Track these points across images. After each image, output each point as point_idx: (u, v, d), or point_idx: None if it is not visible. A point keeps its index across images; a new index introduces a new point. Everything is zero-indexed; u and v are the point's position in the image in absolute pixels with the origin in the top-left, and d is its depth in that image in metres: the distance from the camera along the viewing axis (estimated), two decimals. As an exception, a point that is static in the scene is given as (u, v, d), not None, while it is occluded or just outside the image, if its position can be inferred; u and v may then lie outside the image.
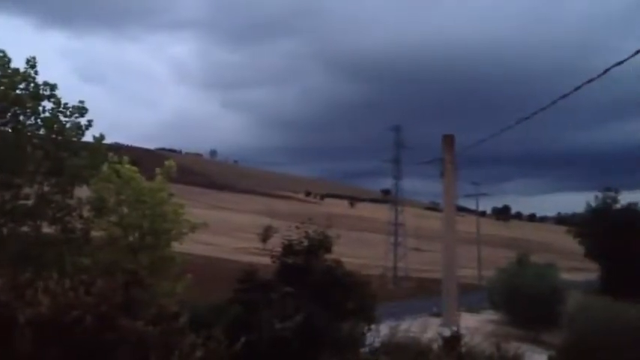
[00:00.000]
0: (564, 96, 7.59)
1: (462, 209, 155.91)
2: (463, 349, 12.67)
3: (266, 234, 74.39)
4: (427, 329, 14.17)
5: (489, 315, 42.84)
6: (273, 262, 14.30)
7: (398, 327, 13.88)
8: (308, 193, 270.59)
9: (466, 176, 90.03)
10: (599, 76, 6.69)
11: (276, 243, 14.77)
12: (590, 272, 77.57)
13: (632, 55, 6.18)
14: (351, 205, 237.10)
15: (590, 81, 6.89)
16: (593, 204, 76.44)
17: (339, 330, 12.95)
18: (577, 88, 7.19)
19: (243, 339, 8.54)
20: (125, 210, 12.23)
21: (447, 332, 11.72)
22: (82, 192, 12.67)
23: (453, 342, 11.77)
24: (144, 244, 12.11)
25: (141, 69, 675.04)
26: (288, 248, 14.19)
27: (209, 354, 7.77)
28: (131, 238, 12.13)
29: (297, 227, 14.32)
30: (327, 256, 14.51)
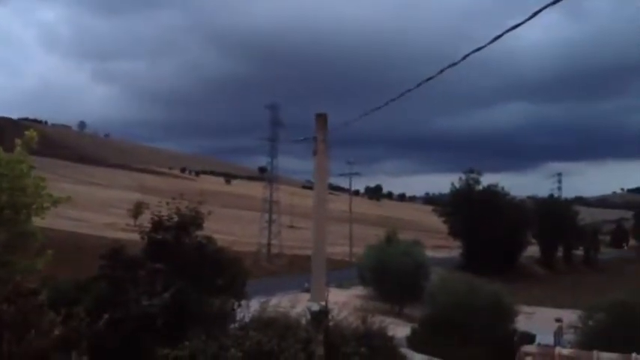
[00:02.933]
0: (429, 79, 7.93)
1: (336, 188, 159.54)
2: (330, 323, 12.97)
3: (137, 210, 72.09)
4: (297, 304, 14.41)
5: (358, 290, 44.27)
6: (142, 238, 13.92)
7: (268, 302, 14.02)
8: (183, 170, 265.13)
9: (341, 156, 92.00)
10: (459, 60, 7.04)
11: (148, 219, 14.35)
12: (453, 250, 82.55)
13: (490, 42, 6.54)
14: (227, 182, 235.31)
15: (451, 65, 7.24)
16: (458, 185, 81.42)
17: (208, 306, 12.89)
18: (441, 71, 7.53)
19: (106, 316, 8.27)
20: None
21: (315, 307, 11.93)
22: None
23: (320, 316, 12.02)
24: (1, 218, 11.36)
25: (4, 33, 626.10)
26: (158, 224, 13.87)
27: (69, 332, 7.48)
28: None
29: (168, 203, 14.00)
30: (199, 233, 14.33)
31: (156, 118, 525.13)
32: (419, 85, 8.52)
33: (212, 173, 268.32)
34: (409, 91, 8.92)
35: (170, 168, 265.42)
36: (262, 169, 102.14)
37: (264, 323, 12.81)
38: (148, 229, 13.92)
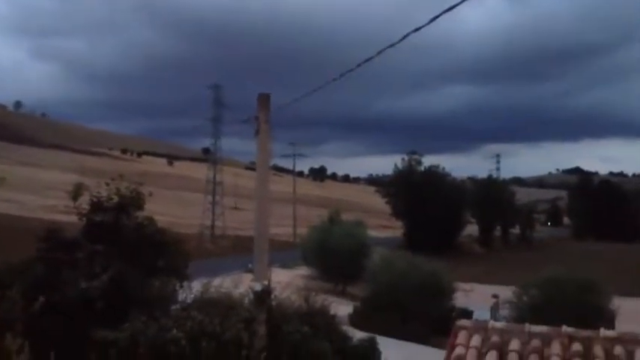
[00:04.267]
0: (368, 59, 8.03)
1: (281, 169, 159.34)
2: (273, 303, 13.07)
3: (77, 192, 70.32)
4: (239, 285, 14.45)
5: (302, 270, 44.63)
6: (80, 219, 13.65)
7: (210, 283, 14.00)
8: (124, 151, 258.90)
9: (285, 137, 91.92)
10: (398, 41, 7.15)
11: (87, 201, 14.06)
12: (395, 230, 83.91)
13: (429, 22, 6.67)
14: (170, 163, 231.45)
15: (390, 46, 7.35)
16: (400, 166, 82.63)
17: (149, 288, 12.79)
18: (380, 52, 7.64)
19: (42, 299, 8.12)
20: None
21: (257, 287, 12.00)
22: None
23: (263, 296, 12.10)
24: None
25: None
26: (97, 205, 13.61)
27: (2, 314, 7.33)
28: None
29: (107, 184, 13.75)
30: (139, 214, 14.14)
31: (96, 98, 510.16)
32: (359, 65, 8.62)
33: (154, 154, 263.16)
34: (350, 71, 9.01)
35: (110, 149, 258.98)
36: (206, 151, 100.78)
37: (206, 304, 12.79)
38: (86, 211, 13.65)
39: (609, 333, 7.07)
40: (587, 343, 6.85)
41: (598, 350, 6.72)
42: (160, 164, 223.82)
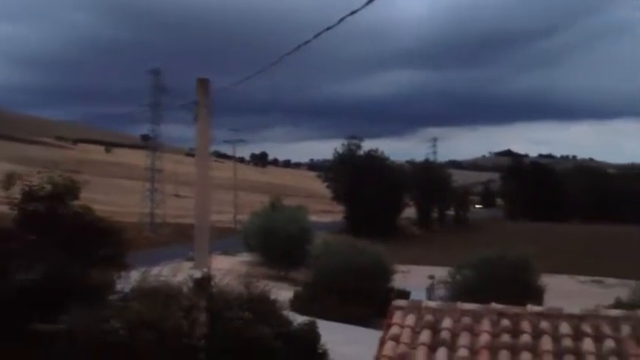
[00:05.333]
0: (306, 42, 8.12)
1: (222, 155, 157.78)
2: (214, 290, 13.05)
3: (8, 181, 67.86)
4: (179, 273, 14.38)
5: (244, 257, 44.53)
6: (12, 209, 13.27)
7: (148, 272, 13.87)
8: (59, 138, 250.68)
9: (226, 123, 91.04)
10: (335, 24, 7.25)
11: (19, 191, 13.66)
12: (337, 214, 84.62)
13: (364, 6, 6.78)
14: (107, 150, 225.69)
15: (328, 29, 7.45)
16: (340, 151, 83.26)
17: (87, 278, 12.60)
18: (317, 35, 7.74)
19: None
20: None
21: (197, 274, 11.98)
22: None
23: (203, 283, 12.09)
24: None
25: None
26: (29, 195, 13.25)
27: None
28: None
29: (40, 172, 13.40)
30: (76, 203, 13.87)
31: (29, 84, 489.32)
32: (297, 48, 8.70)
33: (91, 141, 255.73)
34: (287, 54, 9.10)
35: (44, 136, 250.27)
36: (145, 137, 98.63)
37: (145, 293, 12.69)
38: (18, 201, 13.29)
39: (536, 309, 7.44)
40: (515, 319, 7.19)
41: (525, 325, 7.06)
42: (96, 151, 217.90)
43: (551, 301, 19.05)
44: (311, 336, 14.28)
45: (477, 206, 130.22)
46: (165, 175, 75.73)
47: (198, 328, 11.70)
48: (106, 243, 14.09)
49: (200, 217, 12.48)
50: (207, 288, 12.28)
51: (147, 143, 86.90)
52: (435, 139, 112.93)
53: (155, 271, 14.25)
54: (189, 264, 13.84)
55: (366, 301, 25.89)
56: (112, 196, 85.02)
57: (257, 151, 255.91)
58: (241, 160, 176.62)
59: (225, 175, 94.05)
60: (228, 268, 27.63)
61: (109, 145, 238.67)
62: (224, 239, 47.07)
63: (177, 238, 55.30)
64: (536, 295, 24.54)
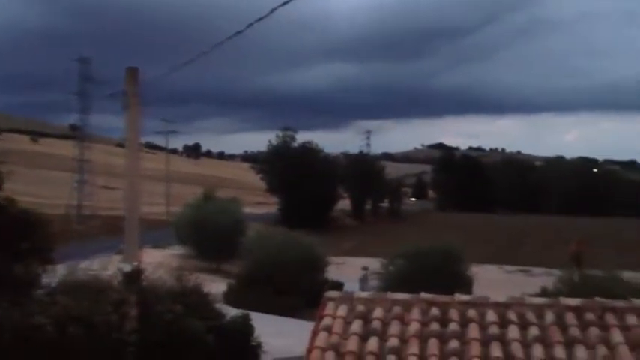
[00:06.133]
0: (238, 32, 8.07)
1: (154, 147, 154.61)
2: (144, 283, 12.87)
3: None
4: (109, 266, 14.06)
5: (176, 250, 43.93)
6: None
7: (77, 266, 13.49)
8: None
9: (159, 114, 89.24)
10: (267, 14, 7.22)
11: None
12: (271, 206, 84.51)
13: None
14: (34, 140, 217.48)
15: (259, 19, 7.42)
16: (274, 143, 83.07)
17: (10, 272, 12.13)
18: (249, 25, 7.71)
19: None
20: None
21: (127, 268, 11.77)
22: None
23: (133, 276, 11.89)
24: None
25: None
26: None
27: None
28: None
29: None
30: (-1, 195, 13.32)
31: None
32: (229, 38, 8.64)
33: (16, 131, 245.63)
34: (220, 44, 9.01)
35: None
36: (73, 127, 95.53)
37: (73, 287, 12.34)
38: None
39: (463, 297, 7.67)
40: (444, 308, 7.40)
41: (453, 314, 7.27)
42: (22, 141, 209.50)
43: (480, 290, 19.57)
44: (244, 328, 14.25)
45: (412, 199, 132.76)
46: (94, 167, 73.65)
47: (129, 323, 11.51)
48: (31, 236, 13.58)
49: (130, 210, 12.26)
50: (138, 281, 12.09)
51: (75, 133, 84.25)
52: (369, 132, 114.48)
53: (84, 264, 13.89)
54: (120, 257, 13.53)
55: (300, 292, 26.00)
56: (39, 187, 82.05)
57: (190, 143, 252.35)
58: (174, 151, 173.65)
59: (158, 166, 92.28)
60: (159, 261, 27.19)
61: (36, 135, 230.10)
62: (156, 232, 46.33)
63: (107, 231, 53.86)
64: (465, 284, 25.20)
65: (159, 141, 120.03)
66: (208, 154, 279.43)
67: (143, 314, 11.64)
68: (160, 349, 11.56)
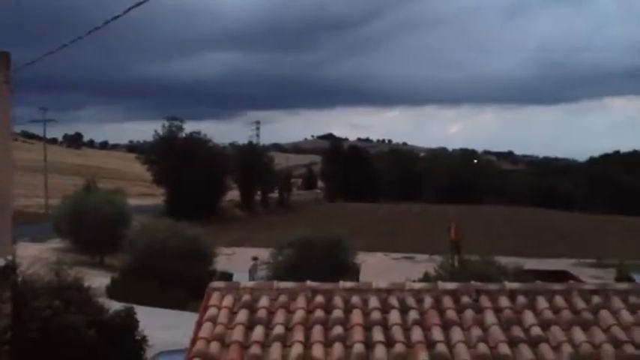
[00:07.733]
0: (116, 17, 7.82)
1: (31, 136, 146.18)
2: (19, 279, 12.32)
3: None
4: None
5: (55, 243, 41.97)
6: None
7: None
8: None
9: (35, 101, 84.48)
10: (145, 0, 7.04)
11: None
12: (157, 197, 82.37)
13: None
14: None
15: (138, 4, 7.23)
16: (161, 133, 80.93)
17: None
18: (127, 11, 7.50)
19: None
20: None
21: (0, 263, 11.19)
22: None
23: (6, 272, 11.32)
24: None
25: None
26: None
27: None
28: None
29: None
30: None
31: None
32: (106, 23, 8.38)
33: None
34: (97, 29, 8.70)
35: None
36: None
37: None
38: None
39: (347, 284, 7.87)
40: (329, 295, 7.56)
41: (338, 301, 7.45)
42: None
43: (367, 277, 20.17)
44: (128, 323, 13.91)
45: (301, 191, 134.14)
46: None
47: (3, 320, 10.99)
48: None
49: (2, 202, 11.62)
50: (12, 277, 11.55)
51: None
52: (258, 122, 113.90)
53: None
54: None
55: (186, 284, 25.61)
56: None
57: (71, 132, 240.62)
58: (53, 141, 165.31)
59: (35, 157, 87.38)
60: (35, 255, 25.88)
61: None
62: (34, 225, 44.11)
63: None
64: (352, 272, 25.88)
65: (37, 130, 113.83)
66: (91, 144, 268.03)
67: (18, 311, 11.12)
68: (37, 346, 11.11)
